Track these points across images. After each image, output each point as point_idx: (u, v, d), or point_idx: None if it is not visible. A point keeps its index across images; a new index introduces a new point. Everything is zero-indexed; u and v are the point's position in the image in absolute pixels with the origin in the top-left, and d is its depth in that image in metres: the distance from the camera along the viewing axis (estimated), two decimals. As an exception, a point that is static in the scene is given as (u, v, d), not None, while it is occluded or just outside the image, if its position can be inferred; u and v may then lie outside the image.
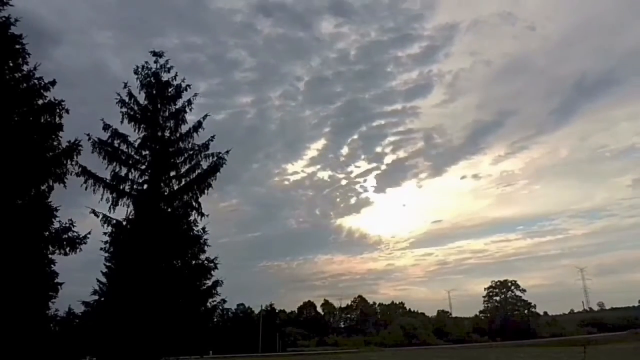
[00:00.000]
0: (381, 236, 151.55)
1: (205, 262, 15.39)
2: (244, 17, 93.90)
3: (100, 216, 14.63)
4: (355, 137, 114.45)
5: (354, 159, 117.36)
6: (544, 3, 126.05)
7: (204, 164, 15.85)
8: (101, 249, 14.68)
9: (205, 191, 15.72)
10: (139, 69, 16.27)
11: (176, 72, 16.54)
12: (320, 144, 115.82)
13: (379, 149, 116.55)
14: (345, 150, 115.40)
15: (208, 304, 15.47)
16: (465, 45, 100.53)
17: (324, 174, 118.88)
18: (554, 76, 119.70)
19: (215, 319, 16.45)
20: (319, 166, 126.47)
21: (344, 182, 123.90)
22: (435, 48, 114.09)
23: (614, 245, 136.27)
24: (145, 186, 15.59)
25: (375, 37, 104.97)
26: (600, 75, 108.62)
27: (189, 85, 16.49)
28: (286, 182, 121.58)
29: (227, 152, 16.01)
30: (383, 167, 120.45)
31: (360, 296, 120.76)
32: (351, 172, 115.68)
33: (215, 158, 15.82)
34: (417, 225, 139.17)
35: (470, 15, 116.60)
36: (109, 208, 14.87)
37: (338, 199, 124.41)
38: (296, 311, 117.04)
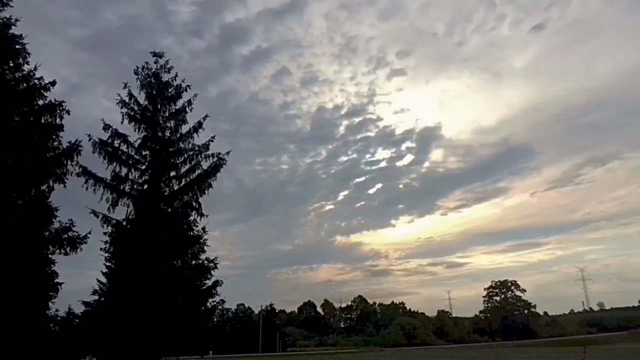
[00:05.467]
0: (380, 249, 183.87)
1: (205, 262, 15.38)
2: (295, 127, 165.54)
3: (100, 216, 14.63)
4: (352, 183, 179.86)
5: (352, 198, 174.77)
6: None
7: (204, 165, 15.85)
8: (101, 249, 14.68)
9: (206, 191, 15.68)
10: (139, 70, 16.25)
11: (176, 73, 16.57)
12: (326, 189, 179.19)
13: (371, 192, 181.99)
14: (345, 192, 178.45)
15: (208, 304, 15.47)
16: (422, 134, 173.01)
17: (329, 207, 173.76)
18: (485, 150, 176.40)
19: (215, 319, 16.45)
20: (323, 202, 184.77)
21: (345, 213, 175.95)
22: (404, 138, 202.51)
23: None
24: (145, 186, 15.57)
25: (364, 135, 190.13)
26: (521, 144, 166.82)
27: (189, 86, 16.50)
28: (299, 213, 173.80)
29: (228, 152, 16.03)
30: (375, 203, 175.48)
31: (360, 296, 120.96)
32: (351, 206, 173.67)
33: (216, 159, 15.80)
34: (412, 240, 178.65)
35: (423, 124, 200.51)
36: (109, 208, 14.87)
37: (343, 224, 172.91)
38: (296, 311, 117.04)
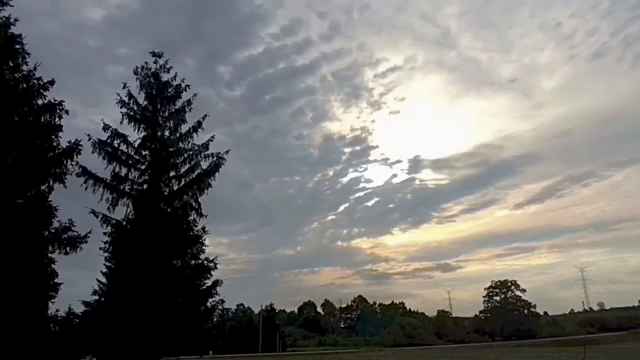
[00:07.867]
0: (380, 254, 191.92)
1: (205, 262, 15.41)
2: (307, 153, 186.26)
3: (100, 216, 14.63)
4: (351, 198, 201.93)
5: (351, 210, 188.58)
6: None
7: (204, 164, 15.88)
8: (101, 248, 14.69)
9: (205, 191, 15.71)
10: (139, 70, 16.27)
11: (176, 73, 16.59)
12: (329, 202, 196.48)
13: (369, 204, 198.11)
14: (345, 205, 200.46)
15: (208, 303, 15.49)
16: (414, 158, 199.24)
17: (331, 217, 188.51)
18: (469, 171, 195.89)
19: (215, 319, 16.46)
20: (325, 213, 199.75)
21: (346, 222, 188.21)
22: (399, 160, 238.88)
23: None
24: (145, 186, 15.59)
25: (365, 159, 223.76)
26: (497, 163, 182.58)
27: (188, 86, 16.52)
28: (304, 222, 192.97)
29: (227, 152, 16.06)
30: (373, 214, 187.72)
31: (360, 296, 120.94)
32: (351, 216, 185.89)
33: (215, 158, 15.81)
34: (410, 245, 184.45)
35: (415, 149, 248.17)
36: (109, 208, 14.89)
37: (344, 232, 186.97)
38: (296, 311, 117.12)
